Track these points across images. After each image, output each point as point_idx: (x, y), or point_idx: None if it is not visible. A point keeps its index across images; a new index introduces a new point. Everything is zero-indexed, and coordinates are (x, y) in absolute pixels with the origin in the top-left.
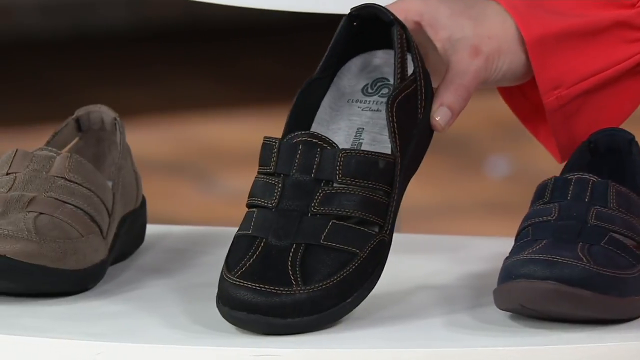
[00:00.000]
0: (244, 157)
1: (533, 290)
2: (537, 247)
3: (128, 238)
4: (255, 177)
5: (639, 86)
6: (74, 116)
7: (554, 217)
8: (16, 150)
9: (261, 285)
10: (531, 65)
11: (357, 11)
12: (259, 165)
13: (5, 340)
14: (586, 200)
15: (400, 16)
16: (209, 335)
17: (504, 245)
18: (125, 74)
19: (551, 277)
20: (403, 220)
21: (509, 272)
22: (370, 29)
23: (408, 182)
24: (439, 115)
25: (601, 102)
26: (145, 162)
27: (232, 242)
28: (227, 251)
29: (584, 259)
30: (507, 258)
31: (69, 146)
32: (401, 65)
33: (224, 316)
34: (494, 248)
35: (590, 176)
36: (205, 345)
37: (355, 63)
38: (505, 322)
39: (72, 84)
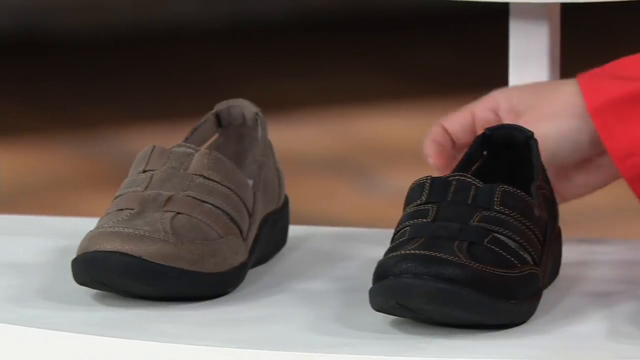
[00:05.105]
0: (408, 153)
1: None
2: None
3: (269, 240)
4: (403, 213)
5: None
6: (213, 111)
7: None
8: (153, 147)
9: (431, 252)
10: (592, 133)
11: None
12: (405, 206)
13: (142, 346)
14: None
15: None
16: (359, 342)
17: None
18: (284, 65)
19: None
20: None
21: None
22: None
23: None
24: None
25: None
26: (302, 159)
27: (392, 239)
28: (379, 254)
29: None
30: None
31: (208, 142)
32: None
33: (377, 304)
34: None
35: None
36: (355, 353)
37: None
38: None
39: (225, 77)
